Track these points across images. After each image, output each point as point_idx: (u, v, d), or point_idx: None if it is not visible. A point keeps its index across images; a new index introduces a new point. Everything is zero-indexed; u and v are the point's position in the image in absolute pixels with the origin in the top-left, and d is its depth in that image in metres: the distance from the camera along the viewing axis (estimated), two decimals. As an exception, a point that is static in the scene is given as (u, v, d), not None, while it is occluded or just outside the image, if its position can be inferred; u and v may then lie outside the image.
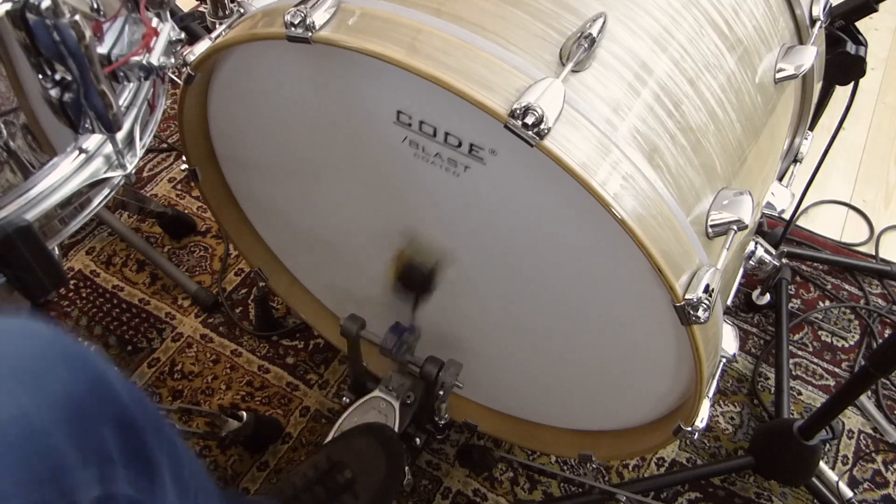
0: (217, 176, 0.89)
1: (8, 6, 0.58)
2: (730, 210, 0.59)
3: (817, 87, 0.85)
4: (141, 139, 0.84)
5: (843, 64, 0.92)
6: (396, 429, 0.86)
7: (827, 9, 0.78)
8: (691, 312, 0.54)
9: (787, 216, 1.02)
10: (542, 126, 0.49)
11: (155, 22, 0.75)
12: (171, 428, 0.52)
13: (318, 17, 0.55)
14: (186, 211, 1.34)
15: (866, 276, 1.30)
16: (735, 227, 0.59)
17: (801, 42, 0.77)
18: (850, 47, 0.91)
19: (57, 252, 1.19)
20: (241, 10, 0.68)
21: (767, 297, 1.23)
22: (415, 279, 0.75)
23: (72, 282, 1.22)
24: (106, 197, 0.82)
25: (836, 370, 1.17)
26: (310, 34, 0.55)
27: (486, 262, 0.73)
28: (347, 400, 0.90)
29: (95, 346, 1.10)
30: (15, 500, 0.37)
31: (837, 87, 0.97)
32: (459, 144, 0.60)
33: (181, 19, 1.11)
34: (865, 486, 1.04)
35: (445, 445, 1.05)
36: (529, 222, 0.64)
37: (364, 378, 0.93)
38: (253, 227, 0.98)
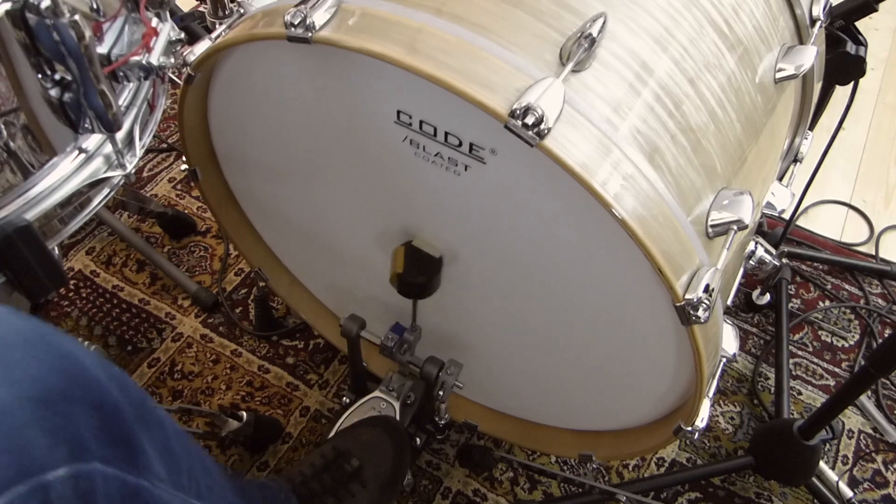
0: (217, 176, 0.89)
1: (8, 6, 0.58)
2: (730, 210, 0.59)
3: (817, 87, 0.85)
4: (141, 139, 0.84)
5: (843, 64, 0.92)
6: (396, 429, 0.86)
7: (827, 9, 0.78)
8: (691, 312, 0.54)
9: (787, 216, 1.02)
10: (542, 126, 0.49)
11: (155, 22, 0.75)
12: (160, 410, 0.52)
13: (318, 17, 0.55)
14: (186, 211, 1.34)
15: (866, 276, 1.30)
16: (735, 227, 0.59)
17: (801, 42, 0.77)
18: (850, 47, 0.91)
19: (57, 252, 1.19)
20: (241, 10, 0.68)
21: (767, 297, 1.23)
22: (414, 282, 0.75)
23: (72, 282, 1.22)
24: (106, 197, 0.82)
25: (836, 370, 1.17)
26: (310, 34, 0.55)
27: (486, 261, 0.73)
28: (347, 400, 0.90)
29: (95, 346, 1.09)
30: None
31: (837, 87, 0.97)
32: (459, 144, 0.60)
33: (181, 19, 1.11)
34: (865, 485, 1.04)
35: (445, 445, 1.05)
36: (529, 222, 0.64)
37: (364, 378, 0.93)
38: (253, 227, 0.98)
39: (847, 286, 1.29)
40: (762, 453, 0.99)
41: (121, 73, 0.72)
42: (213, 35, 0.67)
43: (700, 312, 0.54)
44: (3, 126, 0.72)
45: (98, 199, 0.81)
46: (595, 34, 0.55)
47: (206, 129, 0.82)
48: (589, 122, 0.53)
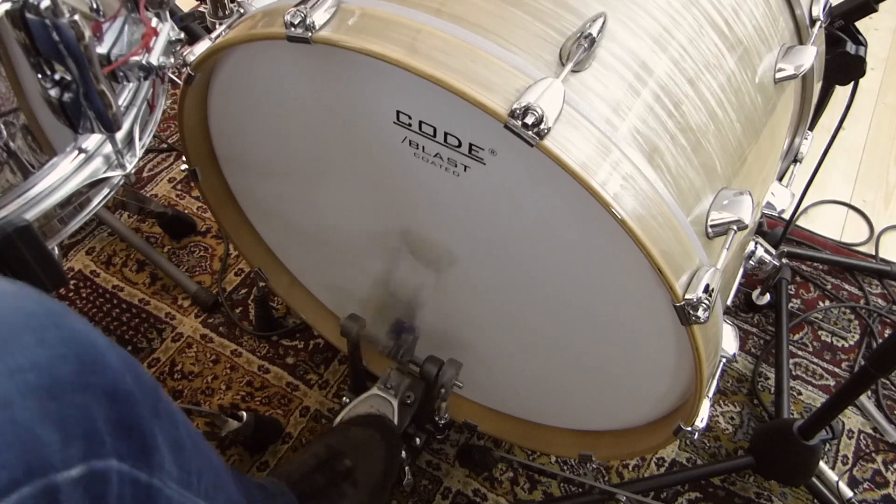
0: (217, 176, 0.89)
1: (7, 6, 0.58)
2: (730, 210, 0.59)
3: (817, 87, 0.85)
4: (140, 139, 0.84)
5: (843, 64, 0.92)
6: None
7: (827, 9, 0.78)
8: (691, 312, 0.54)
9: (787, 216, 1.02)
10: (541, 126, 0.49)
11: (154, 22, 0.75)
12: (170, 400, 0.48)
13: (318, 17, 0.55)
14: (186, 211, 1.34)
15: (866, 276, 1.30)
16: (735, 227, 0.59)
17: (801, 42, 0.77)
18: (850, 47, 0.91)
19: (57, 252, 1.19)
20: (241, 10, 0.68)
21: (767, 297, 1.23)
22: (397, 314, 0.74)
23: (72, 282, 1.22)
24: (105, 197, 0.82)
25: (836, 370, 1.17)
26: (310, 34, 0.55)
27: (486, 261, 0.73)
28: (347, 400, 0.90)
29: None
30: None
31: (837, 87, 0.97)
32: (459, 144, 0.60)
33: (181, 19, 1.11)
34: (865, 486, 1.04)
35: (445, 445, 1.05)
36: (529, 222, 0.64)
37: (364, 378, 0.93)
38: (253, 227, 0.98)
39: (847, 286, 1.29)
40: (762, 453, 0.99)
41: (120, 73, 0.72)
42: (213, 35, 0.67)
43: (700, 312, 0.54)
44: (3, 126, 0.72)
45: (98, 200, 0.81)
46: (595, 34, 0.55)
47: (205, 129, 0.82)
48: (588, 123, 0.53)
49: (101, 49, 0.71)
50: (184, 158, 0.83)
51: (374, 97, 0.62)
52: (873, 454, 1.07)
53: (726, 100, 0.64)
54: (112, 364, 0.41)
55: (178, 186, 1.39)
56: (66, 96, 0.65)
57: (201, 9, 1.11)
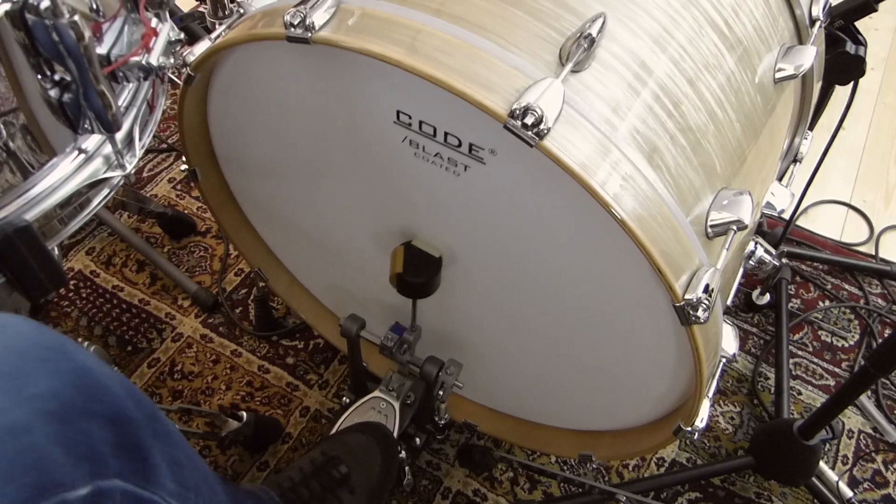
0: (217, 176, 0.89)
1: (7, 6, 0.58)
2: (729, 210, 0.59)
3: (817, 87, 0.85)
4: (140, 139, 0.84)
5: (843, 64, 0.92)
6: (396, 429, 0.86)
7: (827, 9, 0.78)
8: (691, 312, 0.54)
9: (786, 216, 1.02)
10: (541, 126, 0.49)
11: (154, 22, 0.75)
12: (168, 420, 0.52)
13: (318, 17, 0.55)
14: (186, 211, 1.34)
15: (866, 276, 1.30)
16: (735, 227, 0.59)
17: (801, 42, 0.77)
18: (850, 47, 0.91)
19: (57, 252, 1.19)
20: (241, 11, 0.68)
21: (767, 296, 1.23)
22: (413, 282, 0.75)
23: (72, 282, 1.22)
24: (105, 197, 0.82)
25: (836, 370, 1.17)
26: (309, 34, 0.55)
27: (486, 261, 0.73)
28: (347, 400, 0.90)
29: (95, 346, 1.09)
30: None
31: (837, 87, 0.97)
32: (459, 144, 0.60)
33: (181, 19, 1.11)
34: (865, 485, 1.04)
35: (445, 445, 1.05)
36: (529, 222, 0.64)
37: (364, 378, 0.93)
38: (253, 227, 0.98)
39: (847, 286, 1.29)
40: (762, 453, 0.99)
41: (120, 74, 0.72)
42: (213, 35, 0.67)
43: (700, 312, 0.54)
44: (2, 126, 0.72)
45: (98, 200, 0.81)
46: (594, 34, 0.55)
47: (205, 129, 0.82)
48: (588, 123, 0.53)
49: (101, 49, 0.71)
50: (184, 158, 0.83)
51: (374, 97, 0.62)
52: (873, 454, 1.07)
53: (726, 100, 0.64)
54: (115, 392, 0.46)
55: (178, 186, 1.39)
56: (66, 96, 0.65)
57: (201, 9, 1.11)
